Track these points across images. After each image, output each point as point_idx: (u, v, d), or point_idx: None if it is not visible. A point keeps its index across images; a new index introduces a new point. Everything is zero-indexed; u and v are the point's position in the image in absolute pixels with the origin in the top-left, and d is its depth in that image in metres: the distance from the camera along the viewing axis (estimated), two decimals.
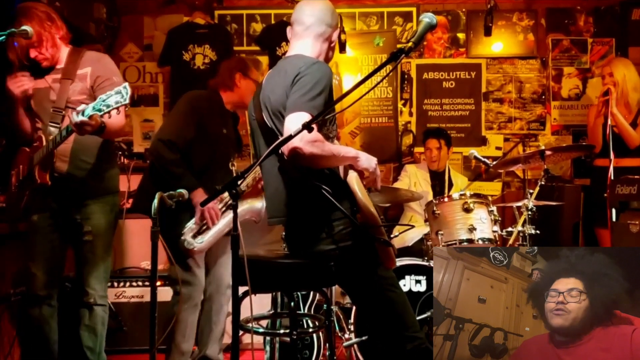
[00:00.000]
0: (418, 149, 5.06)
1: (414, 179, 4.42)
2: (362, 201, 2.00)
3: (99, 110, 2.41)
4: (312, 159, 2.00)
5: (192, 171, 2.98)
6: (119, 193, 3.10)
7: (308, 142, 1.95)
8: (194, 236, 2.99)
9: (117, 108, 2.41)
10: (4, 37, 2.59)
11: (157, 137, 3.00)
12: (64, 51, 2.88)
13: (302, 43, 2.27)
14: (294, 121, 1.96)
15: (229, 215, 3.02)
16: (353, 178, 2.03)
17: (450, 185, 4.45)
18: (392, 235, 3.79)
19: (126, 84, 2.41)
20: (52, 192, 2.81)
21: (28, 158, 2.84)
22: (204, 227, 2.99)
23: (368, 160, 2.18)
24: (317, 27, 2.26)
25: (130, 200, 4.13)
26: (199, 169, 3.03)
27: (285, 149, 1.97)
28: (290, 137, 1.89)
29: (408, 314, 2.18)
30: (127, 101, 2.40)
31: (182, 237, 2.96)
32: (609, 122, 3.70)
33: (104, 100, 2.41)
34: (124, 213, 4.11)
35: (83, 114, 2.45)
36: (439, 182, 4.44)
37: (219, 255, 3.27)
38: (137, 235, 4.09)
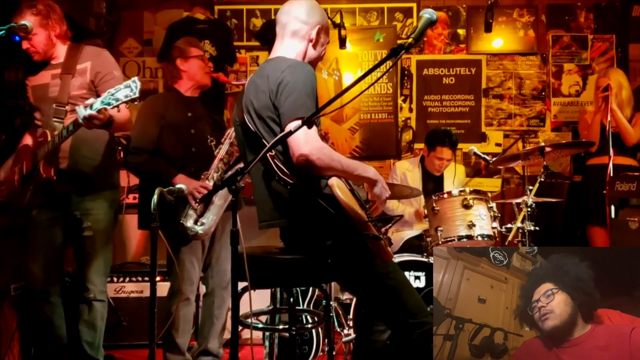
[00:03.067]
0: (418, 145, 5.06)
1: (405, 184, 4.13)
2: (344, 200, 1.98)
3: (108, 104, 2.44)
4: (320, 168, 1.99)
5: (171, 161, 3.05)
6: (119, 189, 3.12)
7: (316, 149, 1.96)
8: (196, 221, 3.01)
9: (127, 102, 2.43)
10: (3, 31, 2.59)
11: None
12: (62, 47, 2.89)
13: (281, 43, 2.27)
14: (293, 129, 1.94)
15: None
16: (334, 178, 2.02)
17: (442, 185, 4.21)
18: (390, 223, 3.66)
19: (136, 78, 2.44)
20: (52, 188, 2.81)
21: (31, 154, 2.84)
22: (202, 210, 3.02)
23: (383, 190, 2.18)
24: (292, 24, 2.23)
25: (130, 196, 4.14)
26: (175, 156, 3.08)
27: (293, 155, 1.98)
28: (290, 133, 1.89)
29: (412, 301, 2.14)
30: (137, 95, 2.42)
31: (184, 225, 2.97)
32: (608, 118, 3.70)
33: (112, 94, 2.43)
34: (124, 208, 4.12)
35: (91, 108, 2.47)
36: (433, 183, 4.19)
37: (222, 250, 3.28)
38: (137, 230, 4.08)
